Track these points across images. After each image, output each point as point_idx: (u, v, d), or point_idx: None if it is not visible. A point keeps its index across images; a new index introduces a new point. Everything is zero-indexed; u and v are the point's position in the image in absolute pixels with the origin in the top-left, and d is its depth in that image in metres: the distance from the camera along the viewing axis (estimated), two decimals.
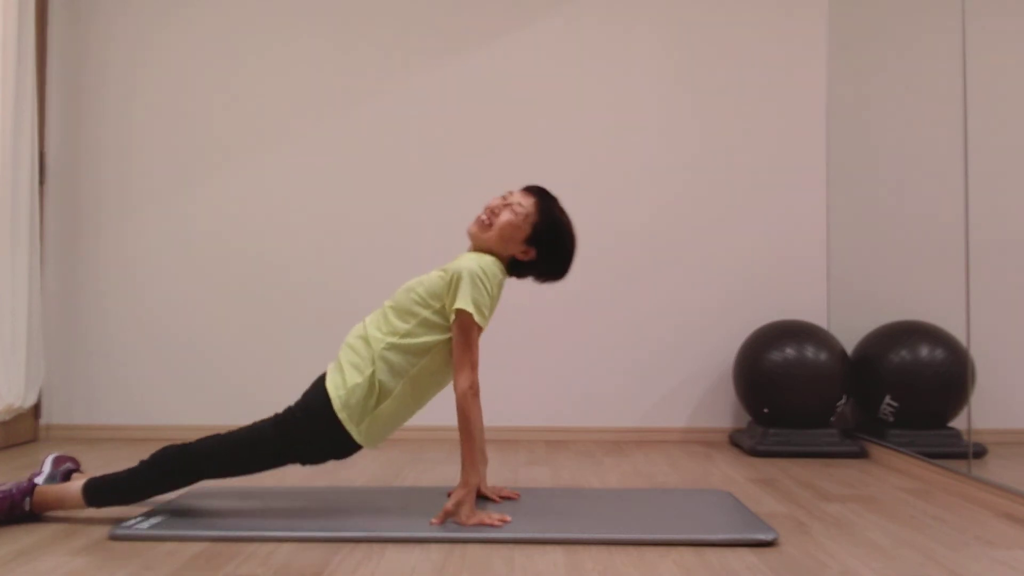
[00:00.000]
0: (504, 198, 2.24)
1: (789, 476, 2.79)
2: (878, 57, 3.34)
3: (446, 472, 2.82)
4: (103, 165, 3.63)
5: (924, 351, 2.97)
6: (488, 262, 2.16)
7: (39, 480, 2.19)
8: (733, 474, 2.83)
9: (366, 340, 2.15)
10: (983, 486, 2.40)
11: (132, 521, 2.04)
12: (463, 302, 2.07)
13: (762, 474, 2.83)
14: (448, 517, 2.05)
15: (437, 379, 2.19)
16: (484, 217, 2.23)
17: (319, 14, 3.65)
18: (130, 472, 2.10)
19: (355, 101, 3.63)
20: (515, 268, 2.28)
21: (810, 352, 3.19)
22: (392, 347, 2.11)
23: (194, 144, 3.63)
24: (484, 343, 3.51)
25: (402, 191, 3.62)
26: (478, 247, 2.25)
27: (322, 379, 2.15)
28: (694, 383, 3.57)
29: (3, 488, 2.09)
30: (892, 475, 2.83)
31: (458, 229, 3.55)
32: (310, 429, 2.10)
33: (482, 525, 2.01)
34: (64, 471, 2.26)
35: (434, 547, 1.91)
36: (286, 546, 1.91)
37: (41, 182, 3.49)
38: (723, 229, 3.59)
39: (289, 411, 2.13)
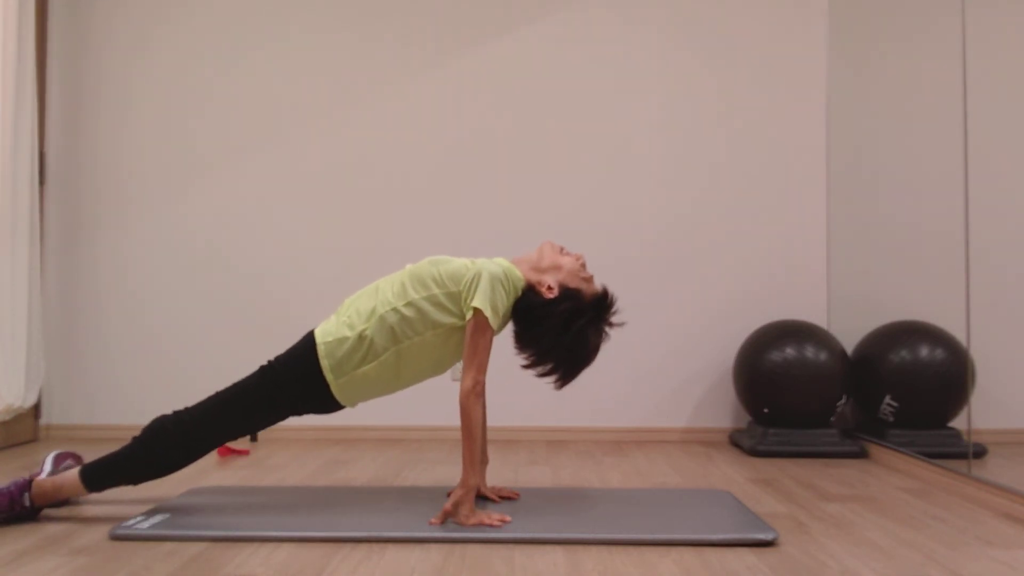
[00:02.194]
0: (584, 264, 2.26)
1: (789, 476, 2.79)
2: (878, 57, 3.34)
3: (446, 472, 2.82)
4: (103, 165, 3.63)
5: (924, 351, 2.97)
6: (515, 272, 2.17)
7: (43, 476, 2.19)
8: (733, 474, 2.83)
9: (374, 297, 2.16)
10: (983, 486, 2.40)
11: (132, 521, 2.04)
12: (480, 302, 2.06)
13: (762, 474, 2.83)
14: (447, 517, 2.05)
15: (424, 364, 2.18)
16: (566, 248, 2.26)
17: (319, 16, 3.65)
18: (126, 449, 2.10)
19: (354, 103, 3.63)
20: (525, 301, 2.19)
21: (810, 352, 3.19)
22: (395, 311, 2.12)
23: (194, 144, 3.63)
24: None
25: (400, 195, 3.61)
26: (522, 261, 2.24)
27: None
28: (694, 383, 3.57)
29: (2, 487, 2.09)
30: (892, 475, 2.83)
31: (456, 233, 3.58)
32: (292, 372, 2.13)
33: (481, 525, 2.01)
34: (64, 469, 2.25)
35: (434, 547, 1.91)
36: (286, 546, 1.91)
37: (41, 182, 3.49)
38: (723, 229, 3.59)
39: (276, 358, 2.17)
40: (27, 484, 2.10)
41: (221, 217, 3.62)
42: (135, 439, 2.11)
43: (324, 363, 2.11)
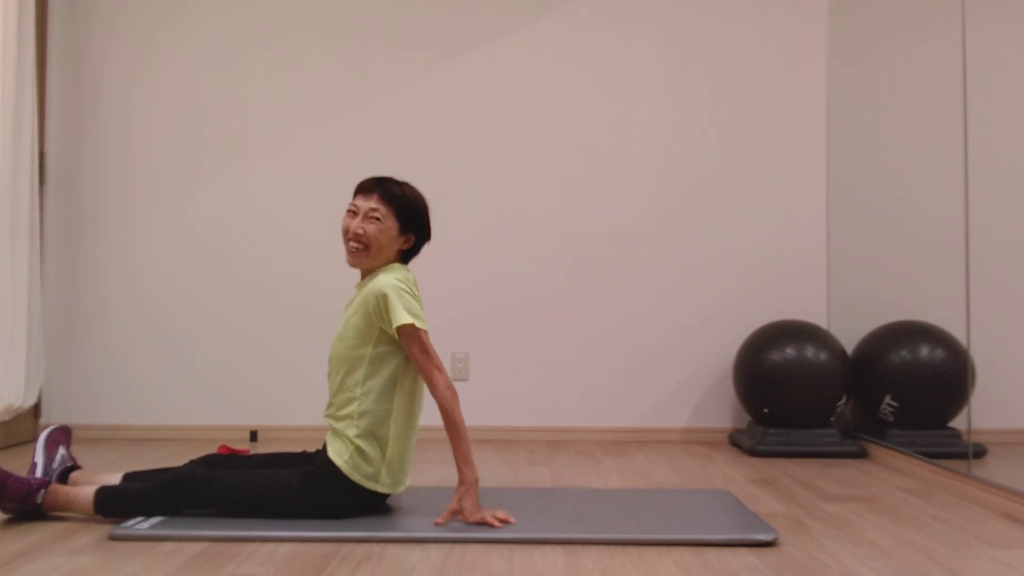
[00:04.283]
0: (354, 215, 2.16)
1: (789, 476, 2.79)
2: (878, 57, 3.34)
3: (446, 472, 2.82)
4: (103, 165, 3.63)
5: (924, 351, 2.97)
6: (397, 272, 2.16)
7: (37, 472, 2.20)
8: (733, 474, 2.83)
9: (340, 413, 2.13)
10: (983, 486, 2.40)
11: (132, 521, 2.04)
12: (401, 318, 2.05)
13: (762, 474, 2.83)
14: (453, 516, 2.05)
15: (418, 394, 2.20)
16: (354, 245, 2.15)
17: (320, 15, 3.65)
18: (147, 491, 2.09)
19: (356, 103, 3.64)
20: (407, 258, 2.27)
21: (810, 352, 3.19)
22: (365, 398, 2.10)
23: (194, 144, 3.64)
24: (485, 343, 3.55)
25: None
26: (370, 269, 2.20)
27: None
28: (694, 383, 3.57)
29: (23, 476, 2.10)
30: (892, 475, 2.83)
31: (455, 232, 3.58)
32: (336, 493, 2.10)
33: (484, 523, 2.01)
34: (61, 470, 2.25)
35: (434, 547, 1.91)
36: (286, 546, 1.91)
37: (41, 182, 3.49)
38: (723, 229, 3.59)
39: (312, 474, 2.11)
40: (45, 484, 2.10)
41: (221, 216, 3.62)
42: (160, 486, 2.08)
43: (356, 477, 2.08)
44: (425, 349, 2.08)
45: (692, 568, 1.77)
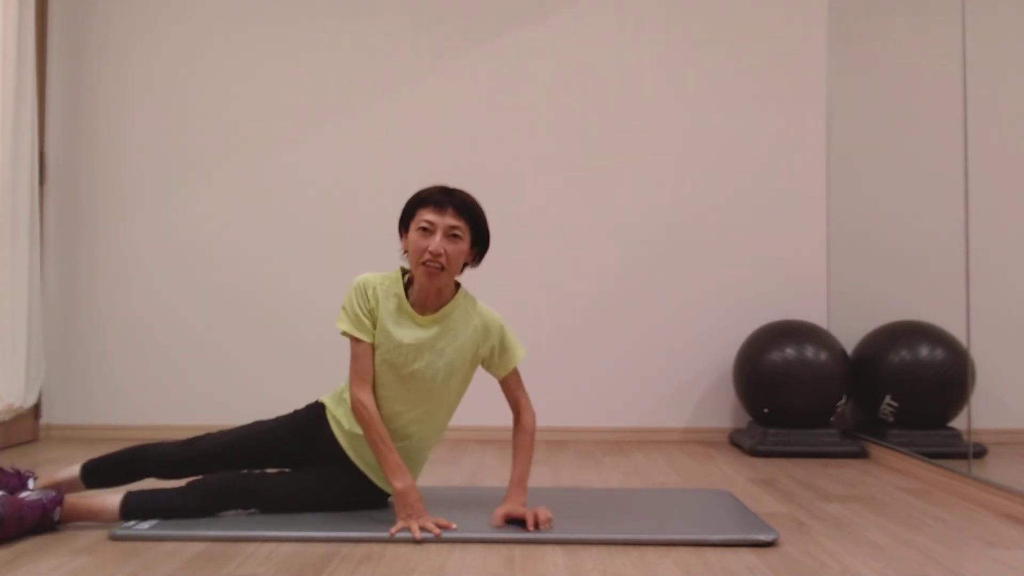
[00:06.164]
0: (429, 233, 2.05)
1: (789, 476, 2.79)
2: (878, 57, 3.34)
3: (446, 472, 2.82)
4: (103, 165, 3.63)
5: (924, 351, 2.97)
6: (475, 298, 2.20)
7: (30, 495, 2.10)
8: (733, 474, 2.83)
9: (420, 444, 2.22)
10: (983, 486, 2.40)
11: (132, 521, 2.04)
12: (521, 352, 2.19)
13: (762, 474, 2.83)
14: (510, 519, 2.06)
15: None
16: (435, 265, 2.04)
17: (318, 17, 3.65)
18: (182, 495, 2.06)
19: (353, 105, 3.63)
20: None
21: (810, 352, 3.19)
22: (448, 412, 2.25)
23: (195, 145, 3.63)
24: None
25: (396, 197, 3.60)
26: (439, 291, 2.12)
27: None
28: (694, 383, 3.57)
29: (33, 498, 2.04)
30: (892, 475, 2.83)
31: None
32: (375, 495, 2.20)
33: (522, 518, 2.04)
34: (25, 480, 2.18)
35: (433, 547, 1.91)
36: (286, 546, 1.91)
37: (41, 182, 3.48)
38: (723, 229, 3.59)
39: (356, 480, 2.17)
40: (60, 500, 2.05)
41: (221, 217, 3.61)
42: (195, 488, 2.06)
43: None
44: (521, 379, 2.23)
45: (692, 568, 1.77)
